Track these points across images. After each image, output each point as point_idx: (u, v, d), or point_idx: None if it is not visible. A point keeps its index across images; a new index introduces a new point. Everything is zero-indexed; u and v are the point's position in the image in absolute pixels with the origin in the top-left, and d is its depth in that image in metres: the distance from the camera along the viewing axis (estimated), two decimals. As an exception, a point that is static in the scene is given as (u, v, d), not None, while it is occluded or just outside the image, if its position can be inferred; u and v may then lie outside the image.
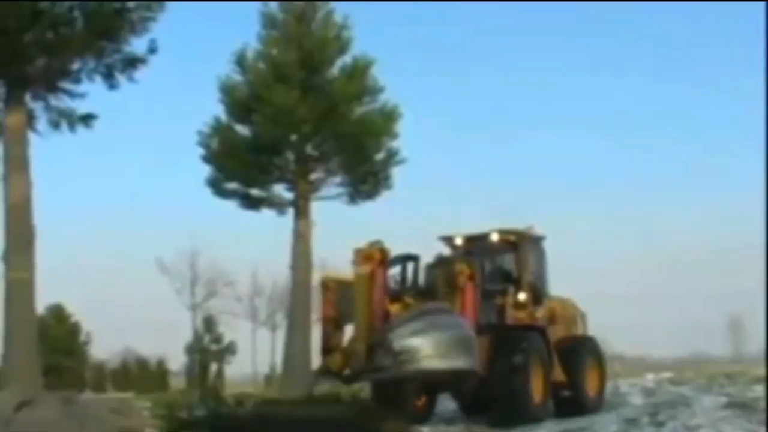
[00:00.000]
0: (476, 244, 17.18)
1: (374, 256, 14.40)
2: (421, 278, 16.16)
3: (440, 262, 16.45)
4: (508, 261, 17.39)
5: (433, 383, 16.07)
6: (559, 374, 16.86)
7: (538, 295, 17.11)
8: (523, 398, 15.56)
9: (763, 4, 51.59)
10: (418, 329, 13.94)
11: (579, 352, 17.60)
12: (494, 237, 16.98)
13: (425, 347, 13.82)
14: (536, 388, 15.87)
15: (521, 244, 17.04)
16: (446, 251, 17.55)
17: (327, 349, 14.89)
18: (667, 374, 28.11)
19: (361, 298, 14.36)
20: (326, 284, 15.24)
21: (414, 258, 15.89)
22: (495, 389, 15.48)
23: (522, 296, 16.61)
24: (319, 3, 27.70)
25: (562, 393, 17.05)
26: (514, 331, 16.31)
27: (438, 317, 14.49)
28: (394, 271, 15.62)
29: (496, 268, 17.64)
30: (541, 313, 17.06)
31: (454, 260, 16.22)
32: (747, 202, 64.27)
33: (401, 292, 15.51)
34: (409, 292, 15.59)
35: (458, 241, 17.29)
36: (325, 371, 15.05)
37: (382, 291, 14.61)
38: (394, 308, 15.06)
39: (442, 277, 15.72)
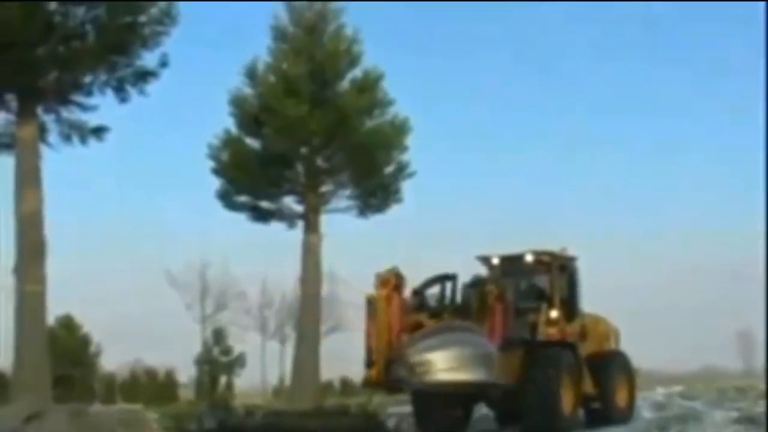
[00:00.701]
0: (511, 264, 17.79)
1: (390, 281, 15.60)
2: (459, 296, 16.90)
3: (475, 282, 17.19)
4: (542, 280, 17.99)
5: (454, 394, 16.89)
6: (589, 387, 17.53)
7: (570, 313, 17.60)
8: (552, 409, 16.17)
9: (763, 4, 51.37)
10: (433, 345, 15.06)
11: (608, 366, 18.25)
12: (529, 258, 17.57)
13: (440, 361, 14.90)
14: (566, 400, 16.50)
15: (554, 264, 17.57)
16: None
17: (370, 363, 15.56)
18: (677, 388, 28.05)
19: (380, 318, 15.42)
20: (370, 301, 15.84)
21: (452, 277, 16.69)
22: (526, 401, 16.23)
23: (554, 314, 17.16)
24: (330, 16, 27.76)
25: (592, 405, 17.81)
26: (546, 346, 16.91)
27: (455, 334, 15.59)
28: (434, 290, 16.63)
29: (530, 286, 18.26)
30: (572, 329, 17.57)
31: (486, 281, 17.14)
32: (756, 211, 63.85)
33: (440, 310, 16.43)
34: (447, 310, 16.46)
35: (494, 261, 17.91)
36: (367, 383, 15.97)
37: (398, 311, 15.62)
38: (431, 324, 16.01)
39: (476, 297, 16.66)
